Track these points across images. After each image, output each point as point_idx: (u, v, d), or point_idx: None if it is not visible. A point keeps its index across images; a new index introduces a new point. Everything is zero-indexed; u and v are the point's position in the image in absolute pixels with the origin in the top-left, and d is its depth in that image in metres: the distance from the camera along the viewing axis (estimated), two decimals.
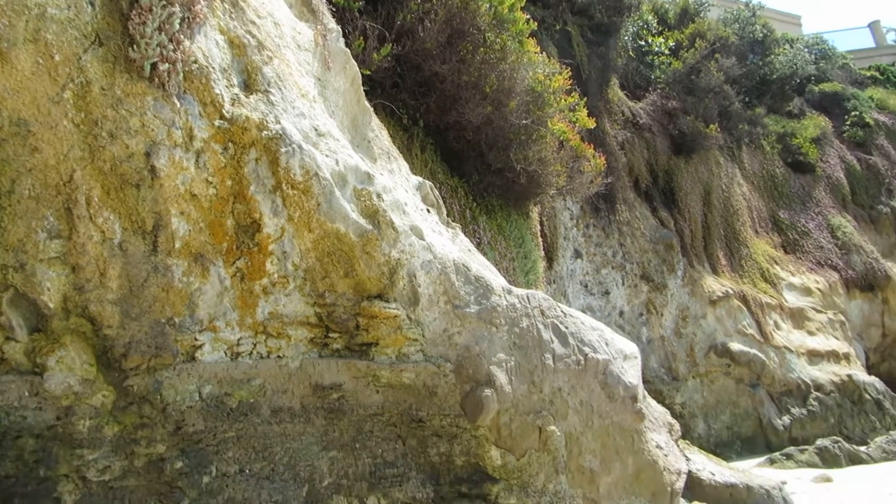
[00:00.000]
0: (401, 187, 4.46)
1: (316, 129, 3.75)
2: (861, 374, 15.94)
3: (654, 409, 4.70)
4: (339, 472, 3.74)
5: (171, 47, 3.22)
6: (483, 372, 3.76)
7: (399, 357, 3.80)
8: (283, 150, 3.46)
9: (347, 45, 5.35)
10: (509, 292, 4.04)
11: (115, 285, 3.39)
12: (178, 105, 3.29)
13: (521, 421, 3.82)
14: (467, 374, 3.77)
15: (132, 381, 3.54)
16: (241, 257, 3.61)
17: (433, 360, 3.80)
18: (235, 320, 3.66)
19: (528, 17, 7.97)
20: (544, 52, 9.43)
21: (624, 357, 4.26)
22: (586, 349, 4.09)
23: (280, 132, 3.48)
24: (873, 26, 29.49)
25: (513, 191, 8.10)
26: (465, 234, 7.36)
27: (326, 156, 3.68)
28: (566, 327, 4.10)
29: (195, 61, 3.35)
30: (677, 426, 4.82)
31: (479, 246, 7.54)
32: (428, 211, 4.80)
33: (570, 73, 9.23)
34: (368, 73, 6.08)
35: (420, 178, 4.99)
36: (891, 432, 13.16)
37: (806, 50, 22.80)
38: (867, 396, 15.39)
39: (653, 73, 17.37)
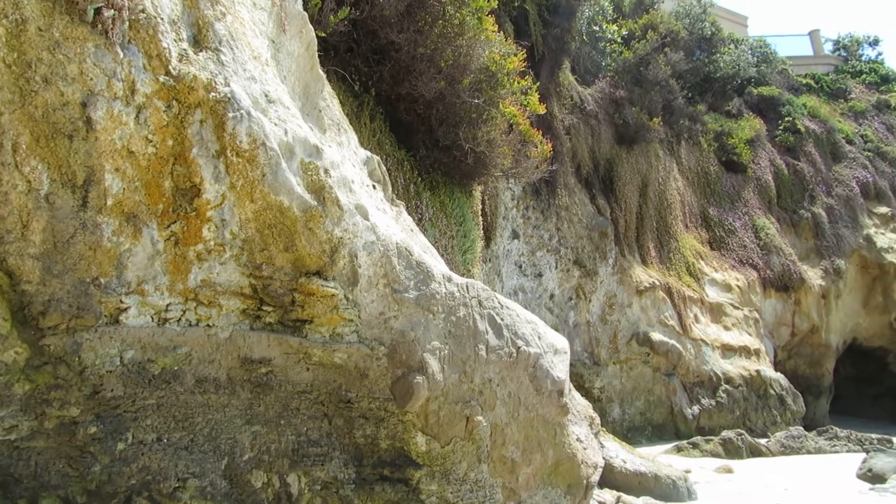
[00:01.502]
0: (349, 161, 4.35)
1: (266, 95, 3.60)
2: (768, 371, 16.88)
3: (578, 403, 4.83)
4: (260, 448, 3.68)
5: None
6: (416, 358, 3.75)
7: (333, 336, 3.74)
8: (230, 114, 3.31)
9: (305, 3, 5.15)
10: (449, 280, 4.03)
11: (38, 239, 3.19)
12: (122, 55, 3.08)
13: (449, 409, 3.85)
14: (400, 359, 3.76)
15: (49, 341, 3.37)
16: (176, 221, 3.45)
17: (367, 342, 3.77)
18: (165, 285, 3.51)
19: None
20: (501, 31, 9.35)
21: (555, 351, 4.34)
22: (519, 342, 4.14)
23: (229, 95, 3.32)
24: (813, 35, 30.57)
25: (458, 169, 8.07)
26: (407, 209, 7.31)
27: (275, 124, 3.54)
28: (502, 319, 4.14)
29: (143, 10, 3.13)
30: (598, 420, 4.97)
31: (420, 222, 7.50)
32: (374, 187, 4.71)
33: (525, 55, 9.20)
34: (323, 35, 5.87)
35: (368, 153, 4.89)
36: (790, 428, 14.02)
37: (749, 52, 23.50)
38: (772, 392, 16.33)
39: (604, 60, 17.55)
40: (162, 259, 3.46)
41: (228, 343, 3.62)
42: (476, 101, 7.65)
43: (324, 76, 4.52)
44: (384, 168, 5.19)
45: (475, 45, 7.57)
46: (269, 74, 3.71)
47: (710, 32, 20.62)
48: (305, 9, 4.81)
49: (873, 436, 13.24)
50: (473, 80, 7.65)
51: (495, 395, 4.08)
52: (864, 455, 10.10)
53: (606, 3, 18.71)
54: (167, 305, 3.53)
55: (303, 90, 4.16)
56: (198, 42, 3.41)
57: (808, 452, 12.16)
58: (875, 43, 29.50)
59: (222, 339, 3.61)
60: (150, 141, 3.26)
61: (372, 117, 7.12)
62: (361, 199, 3.96)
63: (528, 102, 8.95)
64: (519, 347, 4.16)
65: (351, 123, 6.10)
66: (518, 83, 8.51)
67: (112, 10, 2.99)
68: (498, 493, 4.15)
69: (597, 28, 18.02)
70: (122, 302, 3.45)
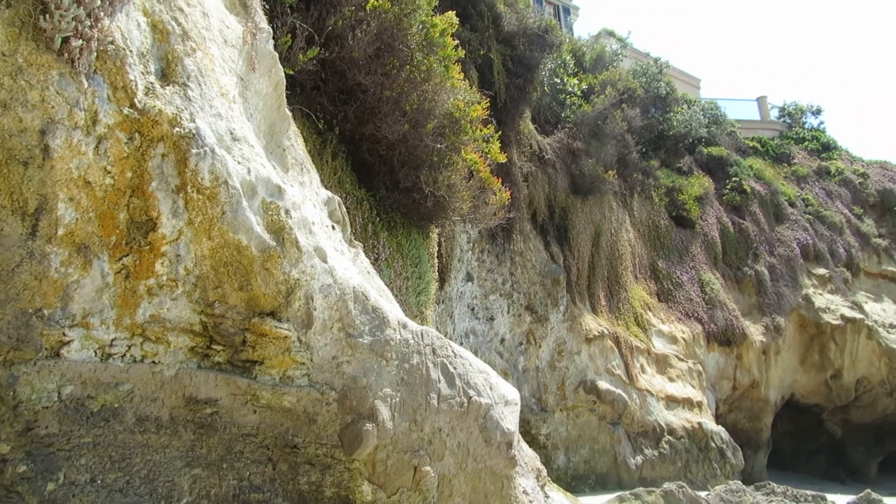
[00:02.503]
0: (310, 202, 4.34)
1: (232, 133, 3.58)
2: (710, 423, 17.17)
3: (526, 454, 4.83)
4: (200, 492, 3.56)
5: (88, 23, 2.98)
6: (367, 405, 3.71)
7: (283, 379, 3.68)
8: (194, 150, 3.28)
9: (275, 40, 5.17)
10: (404, 326, 4.02)
11: None
12: (86, 85, 3.05)
13: (397, 458, 3.80)
14: (351, 405, 3.71)
15: None
16: (129, 254, 3.38)
17: (318, 386, 3.72)
18: (112, 319, 3.42)
19: (458, 43, 8.05)
20: (466, 79, 9.56)
21: (505, 402, 4.35)
22: (471, 392, 4.14)
23: (193, 131, 3.30)
24: (760, 101, 32.10)
25: (417, 211, 8.12)
26: (364, 249, 7.30)
27: (239, 163, 3.52)
28: (455, 368, 4.14)
29: (112, 41, 3.11)
30: (545, 472, 4.96)
31: (376, 262, 7.49)
32: (333, 228, 4.71)
33: (488, 102, 9.41)
34: (291, 73, 5.90)
35: (329, 193, 4.89)
36: (729, 482, 14.22)
37: (701, 113, 24.51)
38: (713, 445, 16.59)
39: (564, 111, 18.04)
40: (111, 292, 3.37)
41: (174, 381, 3.52)
42: (439, 145, 7.75)
43: (290, 116, 4.53)
44: (344, 209, 5.20)
45: (441, 92, 7.71)
46: (235, 112, 3.71)
47: (665, 92, 21.47)
48: (275, 46, 4.84)
49: (808, 492, 13.53)
50: (437, 125, 7.77)
51: (445, 446, 4.06)
52: None
53: (568, 58, 19.36)
54: (112, 340, 3.42)
55: (268, 128, 4.16)
56: (166, 76, 3.39)
57: None
58: (818, 112, 31.15)
59: (167, 377, 3.51)
60: (109, 172, 3.21)
61: (334, 155, 7.14)
62: (321, 240, 3.95)
63: (489, 150, 9.12)
64: (470, 397, 4.16)
65: (313, 161, 6.11)
66: (481, 131, 8.67)
67: (81, 41, 2.96)
68: None
69: (558, 80, 18.58)
70: (64, 335, 3.34)
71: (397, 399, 3.84)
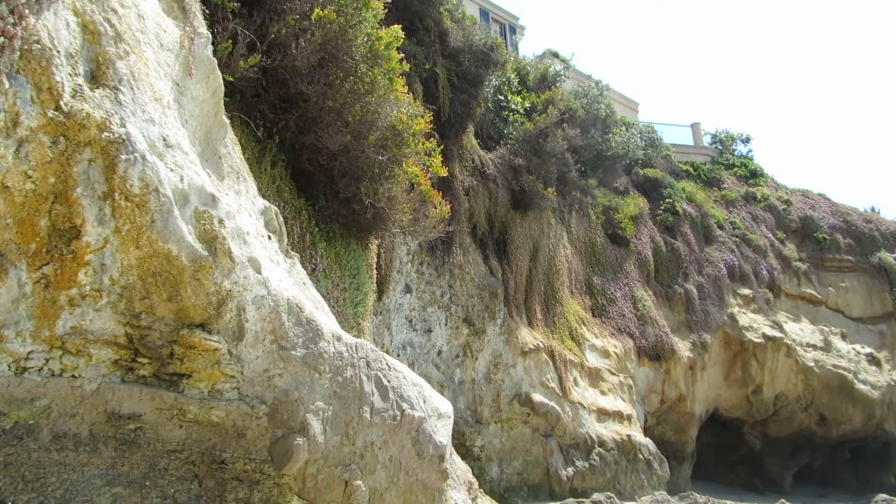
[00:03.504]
0: (245, 211, 4.27)
1: (164, 139, 3.49)
2: (639, 436, 17.61)
3: (458, 467, 4.85)
4: None
5: (12, 20, 2.86)
6: (298, 419, 3.66)
7: (212, 393, 3.59)
8: (123, 157, 3.18)
9: (215, 45, 5.07)
10: (339, 339, 3.99)
11: None
12: (7, 85, 2.92)
13: (328, 473, 3.76)
14: (282, 419, 3.65)
15: None
16: (50, 263, 3.24)
17: (248, 400, 3.64)
18: (29, 331, 3.26)
19: (403, 56, 8.08)
20: (411, 92, 9.60)
21: (438, 416, 4.36)
22: (404, 405, 4.14)
23: (123, 137, 3.20)
24: (694, 127, 33.39)
25: (357, 222, 8.08)
26: (302, 259, 7.21)
27: (171, 170, 3.43)
28: (388, 381, 4.13)
29: (37, 41, 2.99)
30: (476, 484, 4.99)
31: (313, 272, 7.40)
32: (269, 238, 4.64)
33: (432, 116, 9.46)
34: (231, 79, 5.80)
35: (266, 203, 4.81)
36: (655, 492, 14.61)
37: (638, 136, 25.29)
38: (641, 456, 17.01)
39: (506, 128, 18.31)
40: (28, 303, 3.22)
41: (95, 396, 3.39)
42: (380, 157, 7.74)
43: (227, 123, 4.45)
44: (281, 219, 5.13)
45: (384, 104, 7.71)
46: (169, 118, 3.62)
47: (604, 114, 22.05)
48: (215, 52, 4.75)
49: (728, 502, 14.05)
50: (380, 136, 7.76)
51: (377, 459, 4.03)
52: None
53: (513, 76, 19.68)
54: (28, 353, 3.27)
55: (204, 136, 4.07)
56: (96, 79, 3.28)
57: None
58: (747, 140, 32.60)
59: (88, 392, 3.37)
60: (30, 177, 3.07)
61: (273, 164, 7.03)
62: (255, 251, 3.89)
63: (431, 163, 9.16)
64: (404, 410, 4.15)
65: (251, 169, 6.01)
66: (423, 144, 8.70)
67: (2, 38, 2.83)
68: None
69: (502, 98, 18.86)
70: None
71: (330, 413, 3.80)
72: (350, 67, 7.13)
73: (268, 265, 4.07)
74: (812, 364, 23.94)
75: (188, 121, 3.92)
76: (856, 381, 24.65)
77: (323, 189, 7.71)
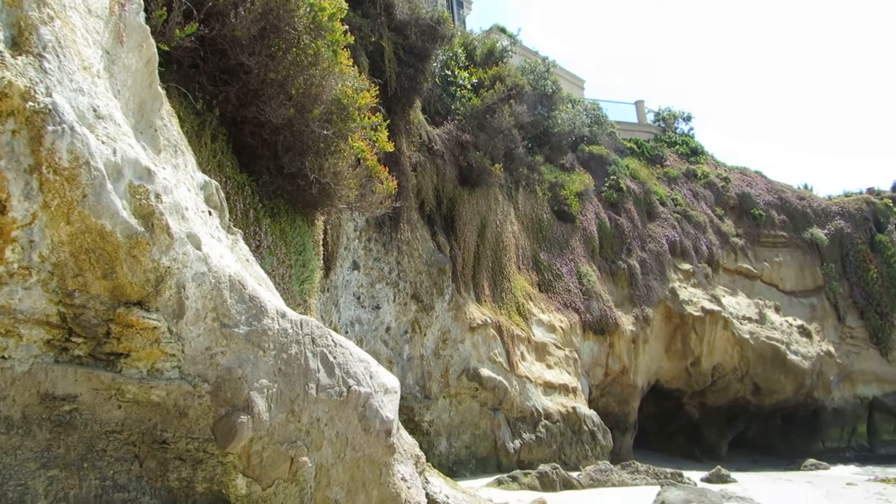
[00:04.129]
0: (184, 185, 4.14)
1: (95, 110, 3.35)
2: (583, 408, 18.07)
3: (405, 441, 4.88)
4: (57, 494, 3.33)
5: None
6: (242, 397, 3.61)
7: (151, 372, 3.50)
8: (49, 128, 3.03)
9: (148, 13, 4.87)
10: (283, 316, 3.94)
11: None
12: None
13: (273, 450, 3.73)
14: (225, 397, 3.60)
15: None
16: None
17: (190, 378, 3.57)
18: None
19: (347, 28, 7.93)
20: (356, 65, 9.44)
21: (385, 391, 4.37)
22: (350, 381, 4.13)
23: (50, 107, 3.05)
24: (638, 105, 33.95)
25: (302, 198, 7.95)
26: (245, 235, 7.06)
27: (103, 142, 3.30)
28: (334, 357, 4.10)
29: None
30: (423, 458, 5.04)
31: (258, 249, 7.27)
32: (210, 213, 4.52)
33: (378, 90, 9.33)
34: (167, 48, 5.59)
35: (206, 177, 4.68)
36: (599, 462, 15.05)
37: (584, 113, 25.60)
38: (585, 428, 17.48)
39: (454, 103, 18.25)
40: None
41: (27, 377, 3.26)
42: (325, 132, 7.61)
43: (163, 94, 4.29)
44: (222, 194, 5.00)
45: (328, 77, 7.56)
46: (100, 88, 3.47)
47: (551, 90, 22.19)
48: (149, 20, 4.56)
49: (667, 470, 14.59)
50: (324, 111, 7.62)
51: (323, 435, 4.02)
52: (658, 488, 11.08)
53: (460, 51, 19.57)
54: None
55: (138, 107, 3.92)
56: (17, 45, 3.11)
57: (613, 485, 13.12)
58: (688, 119, 33.35)
59: (19, 373, 3.24)
60: None
61: (214, 138, 6.83)
62: (195, 226, 3.79)
63: (377, 138, 9.06)
64: (350, 387, 4.14)
65: (190, 142, 5.82)
66: (369, 119, 8.59)
67: None
68: None
69: (449, 73, 18.76)
70: None
71: (274, 390, 3.76)
72: (292, 38, 6.96)
73: (208, 241, 3.97)
74: (748, 336, 24.95)
75: (120, 91, 3.76)
76: (788, 352, 25.82)
77: (266, 164, 7.54)
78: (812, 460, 22.63)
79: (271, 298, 4.07)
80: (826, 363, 27.26)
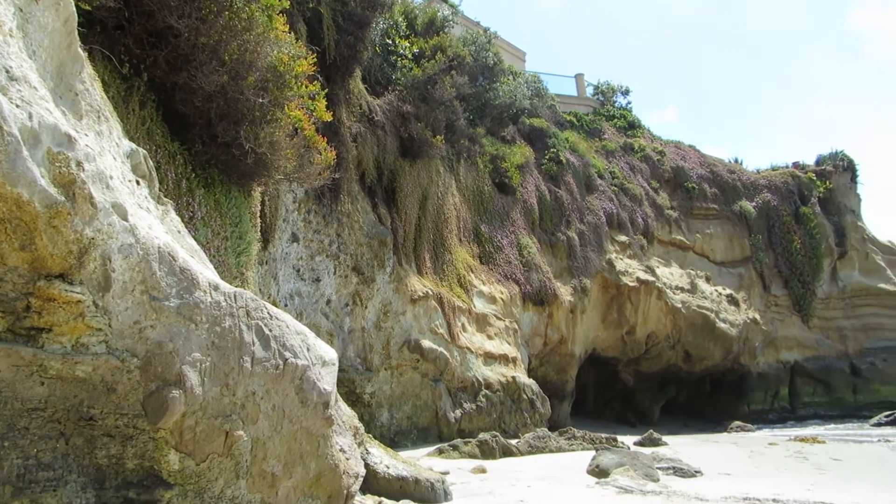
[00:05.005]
0: (109, 153, 3.96)
1: (7, 71, 3.15)
2: (523, 377, 18.45)
3: (344, 413, 4.88)
4: None
5: None
6: (174, 371, 3.52)
7: (76, 347, 3.37)
8: None
9: None
10: (216, 288, 3.85)
11: None
12: None
13: (207, 424, 3.67)
14: (155, 371, 3.50)
15: None
16: None
17: (118, 353, 3.45)
18: None
19: None
20: (293, 32, 9.18)
21: (323, 363, 4.35)
22: (287, 354, 4.08)
23: None
24: (578, 78, 34.31)
25: (238, 168, 7.74)
26: (178, 206, 6.83)
27: (17, 106, 3.11)
28: (270, 330, 4.05)
29: None
30: (362, 429, 5.06)
31: (191, 220, 7.06)
32: (138, 183, 4.35)
33: (316, 58, 9.11)
34: (88, 7, 5.30)
35: (133, 145, 4.49)
36: (537, 429, 15.44)
37: (525, 85, 25.67)
38: (525, 396, 17.87)
39: (394, 73, 18.02)
40: None
41: None
42: (261, 100, 7.39)
43: (84, 56, 4.07)
44: (151, 162, 4.81)
45: (263, 43, 7.33)
46: (12, 48, 3.26)
47: (492, 62, 22.13)
48: None
49: (602, 435, 15.10)
50: (259, 78, 7.39)
51: (259, 409, 3.98)
52: (593, 453, 11.47)
53: (401, 19, 19.28)
54: None
55: (56, 69, 3.71)
56: None
57: (551, 451, 13.51)
58: (626, 93, 33.92)
59: None
60: None
61: (142, 104, 6.55)
62: (120, 196, 3.63)
63: (315, 108, 8.87)
64: (286, 359, 4.10)
65: (116, 109, 5.57)
66: (307, 87, 8.39)
67: None
68: None
69: (390, 42, 18.47)
70: None
71: (208, 364, 3.69)
72: (224, 1, 6.70)
73: (136, 212, 3.83)
74: (680, 305, 25.88)
75: (36, 52, 3.54)
76: (717, 320, 26.94)
77: (199, 132, 7.29)
78: (738, 422, 23.82)
79: (204, 271, 3.97)
80: (752, 330, 28.59)
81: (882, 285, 33.21)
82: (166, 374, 3.53)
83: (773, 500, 7.92)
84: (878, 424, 25.04)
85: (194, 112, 7.16)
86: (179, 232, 4.79)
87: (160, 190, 5.16)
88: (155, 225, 4.02)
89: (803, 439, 18.81)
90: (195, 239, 5.92)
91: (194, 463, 3.67)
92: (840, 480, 10.57)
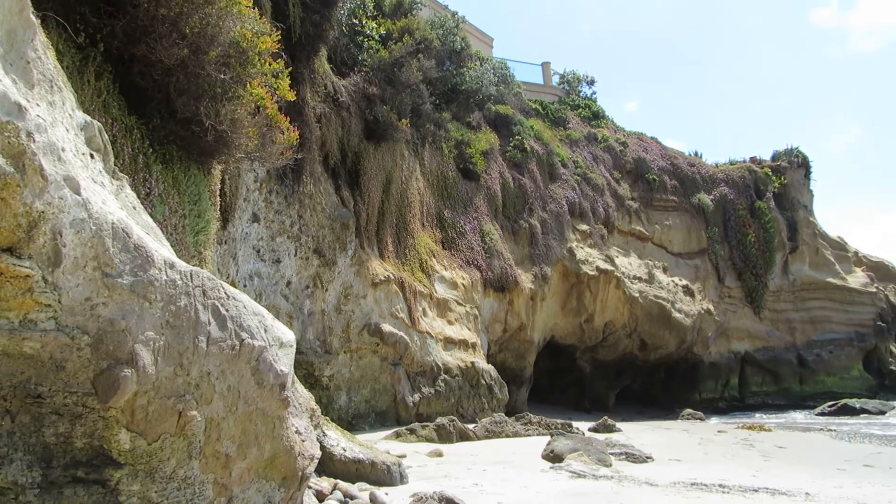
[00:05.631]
0: (61, 125, 3.84)
1: None
2: (482, 363, 18.60)
3: (300, 395, 4.86)
4: None
5: None
6: (126, 349, 3.46)
7: (24, 323, 3.28)
8: None
9: None
10: (171, 266, 3.78)
11: None
12: None
13: (160, 404, 3.62)
14: (107, 349, 3.43)
15: None
16: None
17: (68, 330, 3.37)
18: None
19: None
20: (257, 7, 8.98)
21: (280, 345, 4.31)
22: (244, 334, 4.04)
23: None
24: (544, 66, 34.44)
25: (197, 145, 7.57)
26: (134, 182, 6.67)
27: None
28: (227, 310, 4.00)
29: None
30: (318, 411, 5.05)
31: (147, 197, 6.91)
32: (92, 157, 4.23)
33: (280, 35, 8.94)
34: None
35: (88, 118, 4.36)
36: (494, 414, 15.62)
37: (492, 71, 25.65)
38: (483, 381, 18.03)
39: (361, 54, 17.82)
40: None
41: None
42: (223, 76, 7.24)
43: (37, 23, 3.92)
44: (107, 136, 4.67)
45: (226, 18, 7.16)
46: None
47: (460, 46, 22.03)
48: None
49: (558, 421, 15.36)
50: (221, 53, 7.23)
51: (213, 389, 3.93)
52: (549, 438, 11.66)
53: (368, 0, 19.04)
54: None
55: (6, 36, 3.56)
56: None
57: (507, 436, 13.68)
58: (592, 83, 34.18)
59: None
60: None
61: (98, 75, 6.35)
62: (73, 169, 3.53)
63: (278, 86, 8.72)
64: (243, 340, 4.06)
65: (71, 79, 5.39)
66: (270, 65, 8.24)
67: None
68: (208, 489, 4.00)
69: (357, 22, 18.24)
70: None
71: (161, 343, 3.63)
72: None
73: (89, 186, 3.72)
74: (637, 295, 26.36)
75: None
76: (673, 310, 27.53)
77: (158, 107, 7.11)
78: (689, 410, 24.46)
79: (159, 248, 3.89)
80: (706, 320, 29.31)
81: (830, 279, 34.37)
82: (118, 352, 3.46)
83: (720, 486, 8.18)
84: (822, 414, 26.02)
85: (153, 86, 6.97)
86: (135, 208, 4.69)
87: (116, 165, 5.03)
88: (109, 200, 3.92)
89: (751, 427, 19.44)
90: (152, 216, 5.80)
91: (146, 443, 3.61)
92: (783, 467, 10.97)
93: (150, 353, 3.56)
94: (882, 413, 25.15)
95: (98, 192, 3.82)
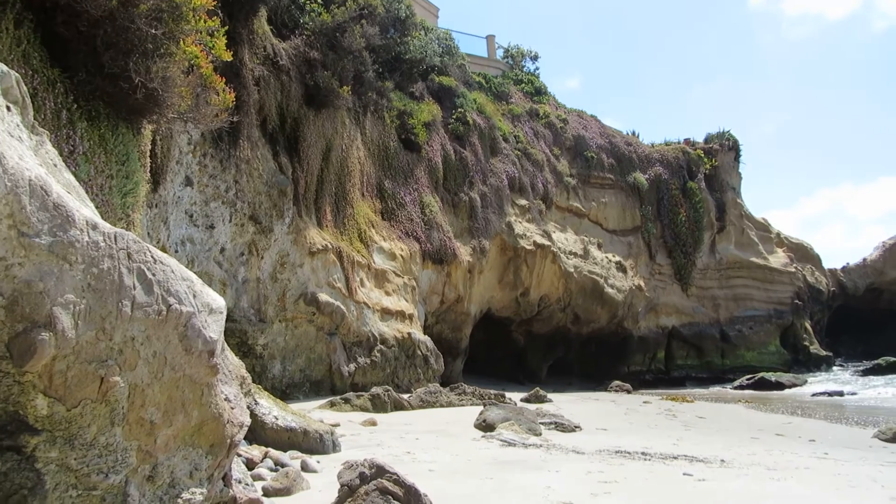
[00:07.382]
0: None
1: None
2: (418, 334, 18.71)
3: (230, 362, 4.78)
4: None
5: None
6: (44, 312, 3.32)
7: None
8: None
9: None
10: (94, 228, 3.62)
11: None
12: None
13: (80, 369, 3.49)
14: (23, 312, 3.28)
15: None
16: None
17: None
18: None
19: None
20: None
21: (209, 311, 4.22)
22: (171, 300, 3.93)
23: None
24: (488, 39, 34.34)
25: (126, 103, 7.25)
26: (57, 138, 6.36)
27: None
28: (153, 274, 3.87)
29: None
30: (249, 379, 4.98)
31: (71, 154, 6.60)
32: (8, 109, 4.00)
33: None
34: None
35: (4, 67, 4.11)
36: (430, 384, 15.77)
37: (437, 42, 25.42)
38: (419, 352, 18.16)
39: (303, 17, 17.35)
40: None
41: None
42: (154, 31, 6.92)
43: None
44: (25, 88, 4.42)
45: None
46: None
47: (405, 14, 21.68)
48: None
49: (492, 391, 15.64)
50: (153, 7, 6.90)
51: (138, 355, 3.82)
52: (482, 408, 11.88)
53: None
54: None
55: None
56: None
57: (442, 406, 13.86)
58: (535, 58, 34.31)
59: None
60: None
61: (17, 23, 5.99)
62: None
63: (214, 45, 8.42)
64: (170, 305, 3.95)
65: None
66: (205, 22, 7.93)
67: None
68: (132, 456, 3.91)
69: None
70: None
71: (82, 306, 3.49)
72: None
73: (5, 139, 3.52)
74: (572, 270, 26.93)
75: None
76: (605, 286, 28.27)
77: (84, 60, 6.75)
78: (617, 382, 25.32)
79: (81, 208, 3.72)
80: (637, 296, 30.26)
81: (754, 259, 35.96)
82: (35, 315, 3.32)
83: (643, 453, 8.53)
84: (741, 387, 27.38)
85: (78, 37, 6.62)
86: (56, 166, 4.46)
87: (36, 119, 4.77)
88: (27, 156, 3.72)
89: (674, 398, 20.31)
90: (75, 175, 5.55)
91: (65, 409, 3.50)
92: (701, 435, 11.52)
93: (69, 316, 3.43)
94: (795, 386, 26.66)
95: (14, 147, 3.62)
